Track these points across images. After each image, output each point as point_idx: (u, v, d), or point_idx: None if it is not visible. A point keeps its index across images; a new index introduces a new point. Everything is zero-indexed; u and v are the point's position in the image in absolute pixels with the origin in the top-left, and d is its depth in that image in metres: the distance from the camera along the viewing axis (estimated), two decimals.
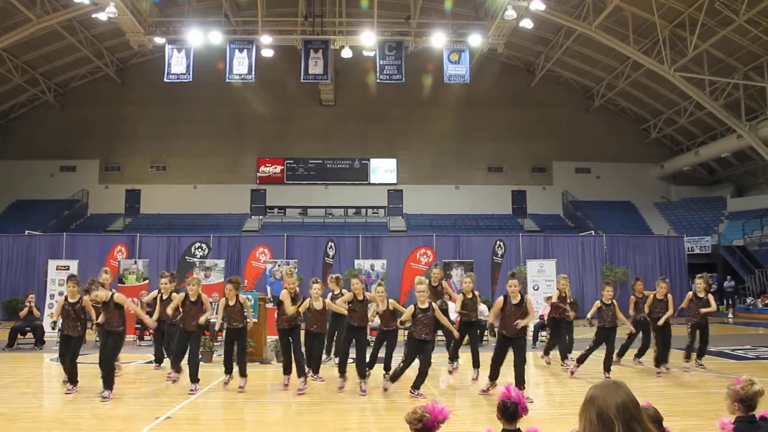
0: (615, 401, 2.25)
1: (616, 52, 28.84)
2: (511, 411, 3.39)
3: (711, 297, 10.67)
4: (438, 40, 26.40)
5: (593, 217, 33.34)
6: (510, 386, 3.46)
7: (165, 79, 26.63)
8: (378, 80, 27.33)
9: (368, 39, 26.11)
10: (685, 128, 34.23)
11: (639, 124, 36.78)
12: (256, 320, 10.48)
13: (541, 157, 36.56)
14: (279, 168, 36.21)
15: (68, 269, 17.86)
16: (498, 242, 21.54)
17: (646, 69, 28.81)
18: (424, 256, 21.65)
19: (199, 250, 19.56)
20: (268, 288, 16.62)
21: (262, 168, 36.14)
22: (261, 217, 34.77)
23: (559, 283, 12.05)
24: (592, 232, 28.29)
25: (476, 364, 9.93)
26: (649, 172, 36.84)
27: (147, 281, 17.47)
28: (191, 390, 8.65)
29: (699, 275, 11.23)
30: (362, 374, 8.76)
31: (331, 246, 21.29)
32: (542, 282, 18.14)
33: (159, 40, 26.58)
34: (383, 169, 36.50)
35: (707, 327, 10.73)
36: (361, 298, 9.05)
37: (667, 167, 36.02)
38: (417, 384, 8.35)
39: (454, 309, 10.83)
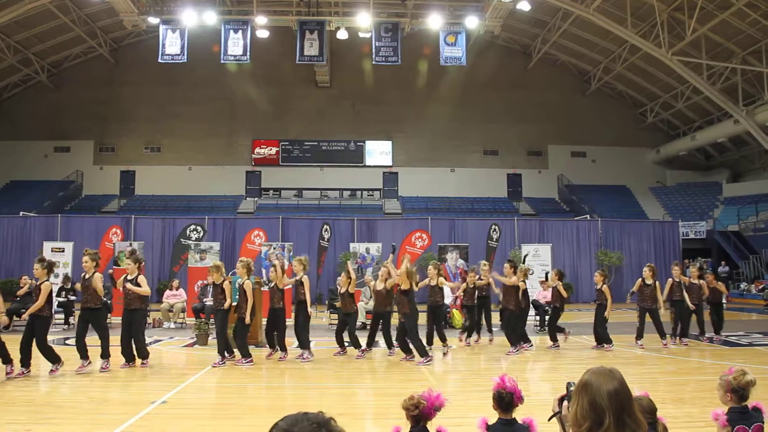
0: (608, 389, 2.23)
1: (613, 35, 28.64)
2: (506, 401, 3.41)
3: (657, 284, 11.68)
4: (434, 21, 26.22)
5: (588, 201, 33.36)
6: (505, 376, 3.47)
7: (159, 60, 26.45)
8: (374, 62, 27.16)
9: (364, 20, 25.91)
10: (682, 113, 34.17)
11: (635, 108, 36.70)
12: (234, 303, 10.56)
13: (536, 140, 36.47)
14: (274, 150, 36.04)
15: (63, 251, 17.82)
16: (493, 226, 21.55)
17: (644, 53, 28.66)
18: (419, 240, 21.67)
19: (194, 232, 19.48)
20: (264, 271, 16.56)
21: (257, 149, 35.97)
22: (256, 198, 34.68)
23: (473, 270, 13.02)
24: (587, 216, 28.35)
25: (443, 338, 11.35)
26: (645, 156, 36.82)
27: (143, 263, 17.31)
28: (215, 363, 9.34)
29: (648, 264, 12.35)
30: (357, 346, 10.50)
31: (326, 229, 21.21)
32: (537, 266, 18.19)
33: (153, 20, 26.31)
34: (379, 152, 36.38)
35: (656, 311, 11.63)
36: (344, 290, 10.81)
37: (663, 152, 35.99)
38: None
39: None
